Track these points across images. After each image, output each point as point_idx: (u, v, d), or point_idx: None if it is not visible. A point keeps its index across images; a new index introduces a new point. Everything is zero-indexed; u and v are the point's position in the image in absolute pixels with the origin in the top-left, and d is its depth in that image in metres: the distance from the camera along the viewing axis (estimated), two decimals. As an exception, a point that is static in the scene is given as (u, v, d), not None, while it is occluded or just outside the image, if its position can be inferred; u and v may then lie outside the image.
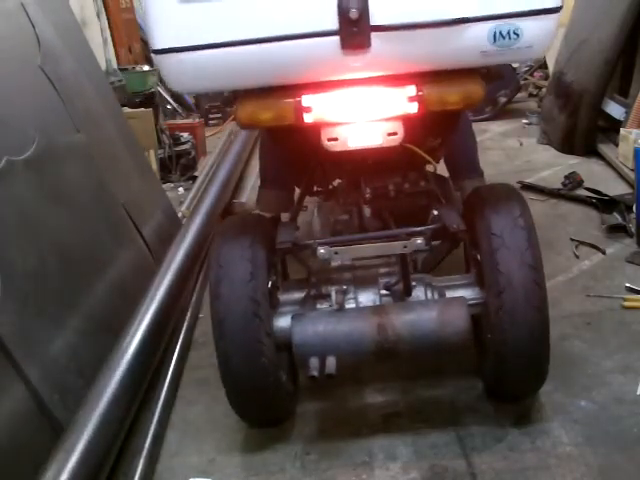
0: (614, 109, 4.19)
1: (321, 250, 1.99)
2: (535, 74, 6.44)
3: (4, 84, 2.45)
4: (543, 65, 6.31)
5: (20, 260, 2.08)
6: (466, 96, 1.81)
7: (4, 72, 2.49)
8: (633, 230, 3.06)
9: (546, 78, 5.96)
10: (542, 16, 1.68)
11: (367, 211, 2.33)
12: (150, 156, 4.52)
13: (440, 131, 2.23)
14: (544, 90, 5.58)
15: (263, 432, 2.11)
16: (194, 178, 4.90)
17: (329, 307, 2.04)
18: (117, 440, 1.91)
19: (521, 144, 4.89)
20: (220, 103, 6.51)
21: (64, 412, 1.92)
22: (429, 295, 2.08)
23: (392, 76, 1.78)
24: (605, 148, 4.22)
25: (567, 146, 4.48)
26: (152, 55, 1.76)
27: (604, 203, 3.43)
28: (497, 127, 5.46)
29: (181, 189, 4.77)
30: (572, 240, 3.13)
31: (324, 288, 2.09)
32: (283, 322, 2.02)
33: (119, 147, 3.30)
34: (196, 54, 1.69)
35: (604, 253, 3.00)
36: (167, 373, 2.39)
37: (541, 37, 1.71)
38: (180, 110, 6.66)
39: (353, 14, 1.63)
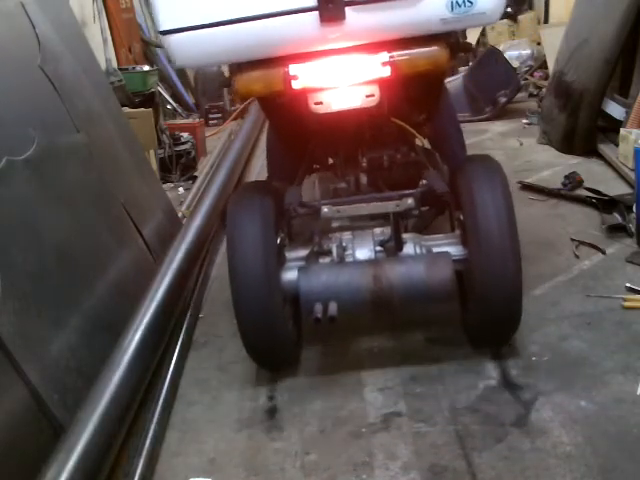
0: (614, 109, 4.19)
1: (325, 209, 2.29)
2: (535, 74, 6.44)
3: (4, 84, 2.45)
4: (543, 65, 6.32)
5: (20, 260, 2.08)
6: (433, 60, 2.04)
7: (4, 72, 2.49)
8: (633, 230, 3.06)
9: (546, 78, 5.96)
10: None
11: (363, 179, 2.62)
12: (150, 156, 4.52)
13: (422, 105, 2.58)
14: (544, 90, 5.58)
15: (263, 432, 2.12)
16: (194, 178, 4.90)
17: (331, 261, 2.32)
18: (117, 440, 1.91)
19: (521, 144, 4.89)
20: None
21: (64, 412, 1.92)
22: (418, 251, 2.33)
23: (367, 44, 2.01)
24: (605, 148, 4.22)
25: (567, 146, 4.47)
26: (159, 35, 2.02)
27: (604, 203, 3.43)
28: (497, 127, 5.46)
29: (181, 189, 4.77)
30: (572, 240, 3.13)
31: (326, 245, 2.35)
32: (290, 276, 2.28)
33: (119, 147, 3.30)
34: (196, 33, 1.93)
35: (604, 253, 2.99)
36: (167, 373, 2.39)
37: (493, 3, 1.95)
38: (180, 110, 6.67)
39: None
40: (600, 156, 4.25)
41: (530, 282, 2.79)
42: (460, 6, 1.92)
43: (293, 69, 2.03)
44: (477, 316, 2.28)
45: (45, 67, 2.75)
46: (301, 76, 2.04)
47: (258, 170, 4.80)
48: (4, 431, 1.75)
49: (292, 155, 2.84)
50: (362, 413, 2.14)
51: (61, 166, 2.58)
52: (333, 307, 2.12)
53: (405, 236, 2.35)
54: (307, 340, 2.53)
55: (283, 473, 1.93)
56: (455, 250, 2.31)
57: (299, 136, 2.60)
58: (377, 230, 2.39)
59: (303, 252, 2.38)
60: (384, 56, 2.02)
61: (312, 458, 1.97)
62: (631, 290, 2.63)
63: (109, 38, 5.59)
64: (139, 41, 6.49)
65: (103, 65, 5.01)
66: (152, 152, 4.65)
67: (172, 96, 6.80)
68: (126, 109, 4.36)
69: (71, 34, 3.30)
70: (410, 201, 2.26)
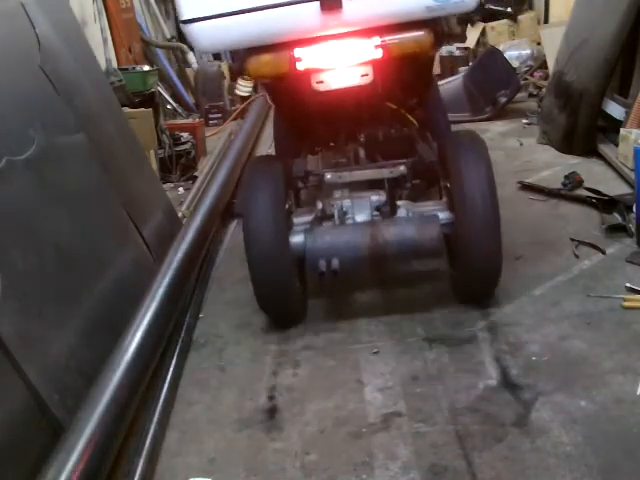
0: (614, 109, 4.18)
1: (328, 175, 2.68)
2: (535, 74, 6.43)
3: (4, 84, 2.45)
4: (543, 65, 6.31)
5: (20, 260, 2.08)
6: (419, 43, 2.32)
7: (4, 72, 2.48)
8: (633, 230, 3.06)
9: (546, 78, 5.95)
10: None
11: (362, 153, 2.94)
12: (150, 156, 4.52)
13: (414, 90, 2.91)
14: (544, 90, 5.57)
15: (263, 432, 2.12)
16: (194, 178, 4.90)
17: (333, 224, 2.63)
18: (117, 440, 1.91)
19: (521, 144, 4.89)
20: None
21: (64, 412, 1.93)
22: (410, 215, 2.64)
23: (361, 30, 2.30)
24: (605, 148, 4.22)
25: (567, 146, 4.47)
26: (180, 25, 2.34)
27: (604, 203, 3.43)
28: (497, 127, 5.46)
29: (181, 189, 4.77)
30: (572, 240, 3.13)
31: (328, 210, 2.66)
32: (297, 239, 2.57)
33: (119, 147, 3.29)
34: (213, 21, 2.23)
35: (604, 253, 2.99)
36: (167, 373, 2.39)
37: None
38: (180, 110, 6.67)
39: None
40: (600, 156, 4.24)
41: (530, 282, 2.80)
42: None
43: (298, 52, 2.32)
44: (463, 273, 2.59)
45: (45, 67, 2.75)
46: (305, 58, 2.33)
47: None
48: (4, 431, 1.75)
49: (296, 135, 3.15)
50: (362, 413, 2.14)
51: (61, 166, 2.58)
52: (335, 262, 2.43)
53: (399, 203, 2.67)
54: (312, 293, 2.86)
55: (283, 473, 1.94)
56: (443, 215, 2.59)
57: (302, 117, 2.90)
58: (374, 197, 2.68)
59: (308, 218, 2.68)
60: (376, 40, 2.31)
61: (312, 458, 1.98)
62: (631, 290, 2.63)
63: (109, 38, 5.59)
64: (139, 41, 6.48)
65: (103, 65, 5.01)
66: (152, 152, 4.64)
67: (172, 96, 6.80)
68: (126, 109, 4.36)
69: (71, 34, 3.30)
70: (402, 168, 2.64)
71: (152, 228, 3.21)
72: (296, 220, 2.68)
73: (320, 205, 2.70)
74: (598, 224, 3.27)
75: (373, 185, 2.74)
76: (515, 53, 6.52)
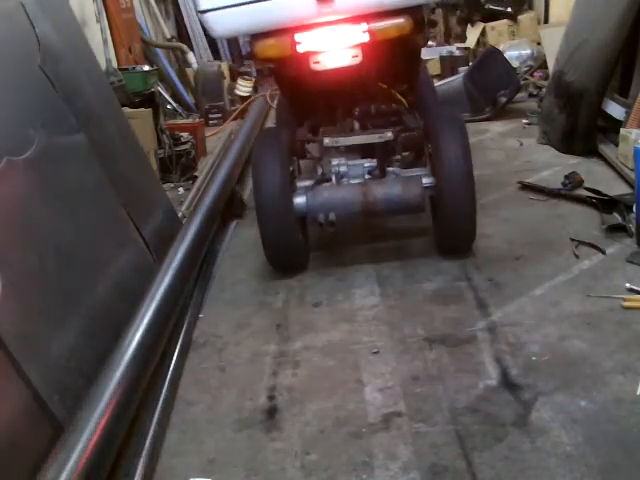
0: (614, 109, 4.18)
1: (326, 140, 3.12)
2: (535, 74, 6.43)
3: (4, 84, 2.45)
4: (543, 65, 6.31)
5: (20, 260, 2.08)
6: (400, 28, 2.73)
7: (4, 72, 2.48)
8: (633, 230, 3.06)
9: (546, 78, 5.95)
10: None
11: (356, 126, 3.36)
12: (150, 156, 4.52)
13: (404, 75, 3.42)
14: (544, 90, 5.57)
15: (263, 432, 2.12)
16: (194, 178, 4.90)
17: (331, 185, 3.05)
18: (117, 440, 1.91)
19: (521, 144, 4.89)
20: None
21: (64, 412, 1.92)
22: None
23: (351, 17, 2.72)
24: (605, 148, 4.22)
25: (567, 146, 4.47)
26: (198, 14, 2.82)
27: (604, 203, 3.43)
28: (497, 127, 5.45)
29: (181, 189, 4.77)
30: (572, 240, 3.13)
31: (327, 174, 3.09)
32: (299, 199, 2.98)
33: (119, 147, 3.29)
34: (227, 10, 2.68)
35: (604, 253, 2.99)
36: (167, 373, 2.39)
37: None
38: (180, 110, 6.66)
39: None
40: (600, 156, 4.24)
41: (530, 282, 2.80)
42: None
43: (298, 37, 2.72)
44: (444, 230, 3.01)
45: (45, 67, 2.75)
46: (304, 42, 2.73)
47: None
48: (4, 431, 1.75)
49: (298, 114, 3.58)
50: (362, 413, 2.14)
51: (61, 166, 2.58)
52: (332, 215, 2.85)
53: (388, 169, 3.09)
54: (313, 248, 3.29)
55: (283, 473, 1.94)
56: (426, 179, 2.99)
57: (304, 95, 3.32)
58: (366, 163, 3.11)
59: (309, 182, 3.09)
60: (364, 26, 2.71)
61: (312, 458, 1.98)
62: (631, 290, 2.62)
63: (109, 38, 5.59)
64: (139, 41, 6.48)
65: (103, 65, 5.00)
66: (152, 152, 4.64)
67: (172, 96, 6.80)
68: (126, 109, 4.35)
69: (71, 34, 3.30)
70: (389, 134, 3.06)
71: (152, 228, 3.20)
72: (299, 184, 3.09)
73: (320, 170, 3.13)
74: (598, 224, 3.27)
75: (366, 154, 3.15)
76: (515, 53, 6.52)
